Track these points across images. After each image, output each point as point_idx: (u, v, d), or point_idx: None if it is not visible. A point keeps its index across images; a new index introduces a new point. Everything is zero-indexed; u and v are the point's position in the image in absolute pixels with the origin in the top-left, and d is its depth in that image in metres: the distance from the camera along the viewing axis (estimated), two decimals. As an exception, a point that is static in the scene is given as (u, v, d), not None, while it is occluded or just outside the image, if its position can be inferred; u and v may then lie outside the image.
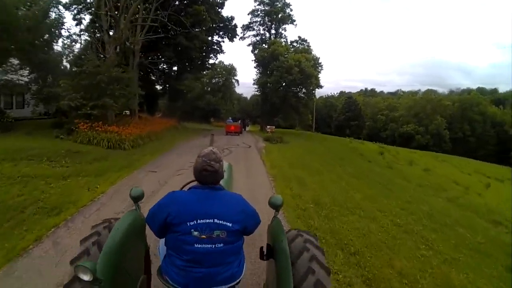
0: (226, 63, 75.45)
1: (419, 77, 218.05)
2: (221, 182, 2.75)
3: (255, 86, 45.78)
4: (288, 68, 36.99)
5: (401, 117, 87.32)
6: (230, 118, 43.48)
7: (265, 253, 3.00)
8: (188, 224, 2.29)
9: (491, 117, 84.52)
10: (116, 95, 20.57)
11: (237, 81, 77.87)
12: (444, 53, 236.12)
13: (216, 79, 74.31)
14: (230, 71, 75.21)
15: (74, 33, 27.93)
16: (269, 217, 3.25)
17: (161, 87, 43.62)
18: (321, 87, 41.12)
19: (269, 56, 40.65)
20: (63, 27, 25.48)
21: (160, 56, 35.91)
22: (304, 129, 66.30)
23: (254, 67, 47.15)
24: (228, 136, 33.27)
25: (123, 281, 2.49)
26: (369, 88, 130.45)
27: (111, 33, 24.88)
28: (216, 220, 2.31)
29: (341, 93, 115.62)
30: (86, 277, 2.03)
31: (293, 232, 3.05)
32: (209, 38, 41.23)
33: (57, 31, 23.92)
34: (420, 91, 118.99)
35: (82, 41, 28.35)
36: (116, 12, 23.94)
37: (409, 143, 79.75)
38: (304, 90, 41.44)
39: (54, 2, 23.86)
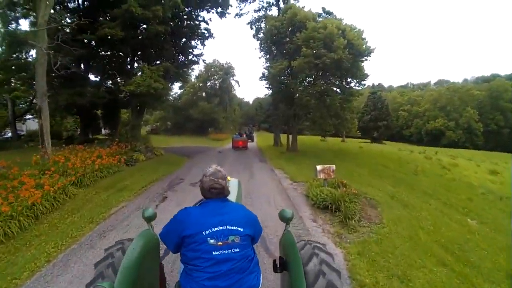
0: (222, 61, 58.63)
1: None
2: (231, 199, 3.04)
3: (263, 81, 27.27)
4: (328, 40, 18.66)
5: (426, 111, 72.10)
6: (237, 133, 37.01)
7: (278, 265, 2.84)
8: (204, 233, 2.24)
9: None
10: None
11: (237, 82, 60.73)
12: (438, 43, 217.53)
13: (211, 80, 57.03)
14: (227, 70, 57.71)
15: None
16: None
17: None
18: (367, 76, 21.95)
19: (287, 26, 22.28)
20: None
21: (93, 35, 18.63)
22: (319, 134, 50.12)
23: (261, 52, 29.22)
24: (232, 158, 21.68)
25: None
26: (376, 84, 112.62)
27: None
28: (228, 226, 2.29)
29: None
30: None
31: (302, 242, 2.88)
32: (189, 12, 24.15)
33: None
34: (431, 82, 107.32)
35: None
36: None
37: (438, 140, 66.68)
38: (343, 82, 22.35)
39: None
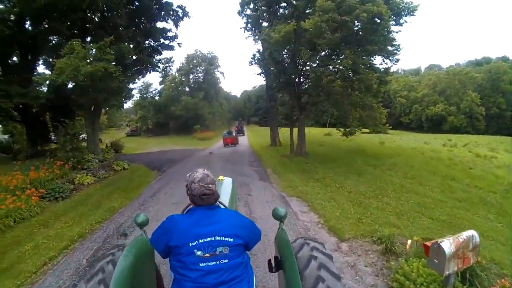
0: (204, 51, 52.04)
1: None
2: (225, 199, 3.40)
3: (253, 68, 20.85)
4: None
5: (425, 97, 66.33)
6: (225, 131, 34.81)
7: (273, 265, 2.67)
8: (190, 244, 2.06)
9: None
10: None
11: (222, 73, 54.03)
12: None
13: (194, 73, 50.19)
14: (211, 61, 50.85)
15: None
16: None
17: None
18: (400, 48, 14.60)
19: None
20: None
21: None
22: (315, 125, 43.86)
23: (248, 31, 22.60)
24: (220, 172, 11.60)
25: None
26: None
27: None
28: (217, 238, 2.10)
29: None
30: None
31: (299, 241, 2.65)
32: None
33: None
34: (421, 68, 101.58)
35: None
36: None
37: (439, 126, 61.34)
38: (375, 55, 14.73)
39: None
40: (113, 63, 13.90)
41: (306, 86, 17.64)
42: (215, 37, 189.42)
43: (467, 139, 35.05)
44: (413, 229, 6.61)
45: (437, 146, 23.20)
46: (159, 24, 20.26)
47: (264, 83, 26.45)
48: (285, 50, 15.72)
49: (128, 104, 54.42)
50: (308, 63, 15.63)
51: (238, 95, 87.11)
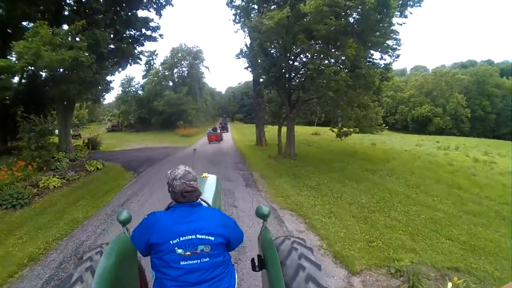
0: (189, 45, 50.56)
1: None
2: (209, 197, 3.43)
3: (241, 62, 19.65)
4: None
5: (411, 97, 66.60)
6: (210, 129, 33.27)
7: (257, 264, 2.59)
8: (171, 242, 1.98)
9: (508, 89, 65.79)
10: None
11: (207, 68, 52.64)
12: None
13: (178, 67, 48.53)
14: (196, 55, 49.25)
15: None
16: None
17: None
18: (401, 43, 13.62)
19: None
20: None
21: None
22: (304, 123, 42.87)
23: (237, 23, 21.00)
24: None
25: None
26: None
27: None
28: (198, 236, 2.01)
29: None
30: None
31: (280, 238, 2.67)
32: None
33: None
34: (406, 68, 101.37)
35: None
36: None
37: (425, 127, 62.15)
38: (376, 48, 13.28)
39: None
40: (86, 53, 12.50)
41: (298, 81, 16.49)
42: (200, 32, 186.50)
43: (455, 141, 34.61)
44: (433, 255, 5.44)
45: (431, 149, 22.31)
46: (141, 13, 18.84)
47: (251, 79, 25.45)
48: (276, 42, 14.41)
49: (110, 98, 52.99)
50: (300, 56, 14.50)
51: (223, 92, 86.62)
